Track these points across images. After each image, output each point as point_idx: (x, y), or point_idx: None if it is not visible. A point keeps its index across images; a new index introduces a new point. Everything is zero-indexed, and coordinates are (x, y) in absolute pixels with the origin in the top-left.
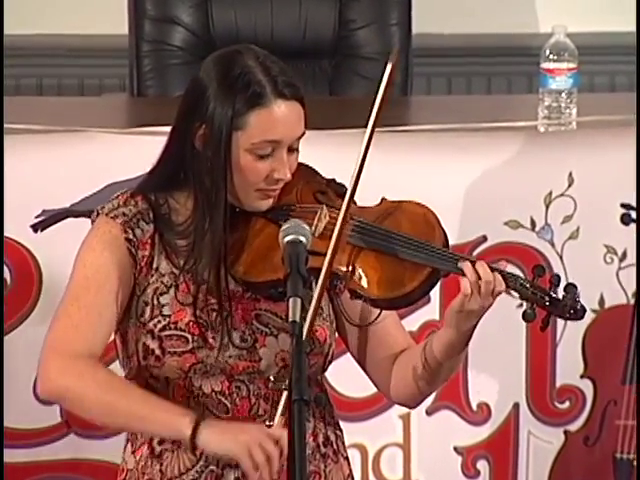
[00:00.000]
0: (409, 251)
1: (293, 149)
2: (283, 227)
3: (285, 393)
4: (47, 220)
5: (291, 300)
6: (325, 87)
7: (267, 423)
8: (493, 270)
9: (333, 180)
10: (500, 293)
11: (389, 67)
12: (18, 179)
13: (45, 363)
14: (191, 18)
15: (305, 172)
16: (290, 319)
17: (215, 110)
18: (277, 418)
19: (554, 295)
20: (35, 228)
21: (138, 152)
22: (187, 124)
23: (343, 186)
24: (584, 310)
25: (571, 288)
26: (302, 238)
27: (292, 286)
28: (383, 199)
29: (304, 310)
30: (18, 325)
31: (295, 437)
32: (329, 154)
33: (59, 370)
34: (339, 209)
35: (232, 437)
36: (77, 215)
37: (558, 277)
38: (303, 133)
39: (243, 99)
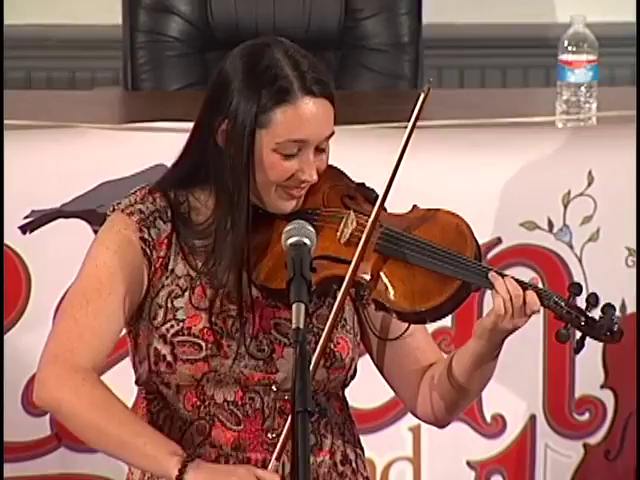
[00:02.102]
0: (439, 262)
1: (321, 149)
2: (286, 229)
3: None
4: (36, 221)
5: (294, 306)
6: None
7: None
8: (526, 288)
9: (363, 184)
10: (535, 312)
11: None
12: (5, 178)
13: (44, 370)
14: (189, 7)
15: (333, 174)
16: (293, 325)
17: (239, 105)
18: (272, 463)
19: (590, 315)
20: (24, 230)
21: (132, 149)
22: (210, 118)
23: (373, 191)
24: (621, 332)
25: (608, 309)
26: (306, 240)
27: (295, 291)
28: (414, 206)
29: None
30: (5, 333)
31: (299, 450)
32: (332, 150)
33: (57, 381)
34: (367, 215)
35: (220, 479)
36: (68, 216)
37: (595, 296)
38: (332, 133)
39: (268, 94)
